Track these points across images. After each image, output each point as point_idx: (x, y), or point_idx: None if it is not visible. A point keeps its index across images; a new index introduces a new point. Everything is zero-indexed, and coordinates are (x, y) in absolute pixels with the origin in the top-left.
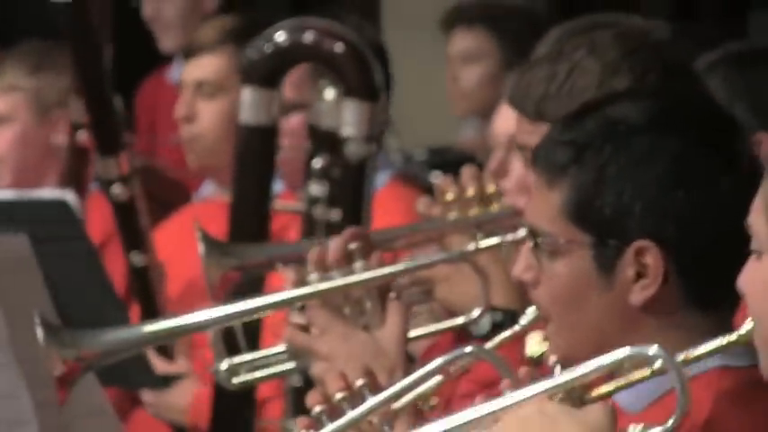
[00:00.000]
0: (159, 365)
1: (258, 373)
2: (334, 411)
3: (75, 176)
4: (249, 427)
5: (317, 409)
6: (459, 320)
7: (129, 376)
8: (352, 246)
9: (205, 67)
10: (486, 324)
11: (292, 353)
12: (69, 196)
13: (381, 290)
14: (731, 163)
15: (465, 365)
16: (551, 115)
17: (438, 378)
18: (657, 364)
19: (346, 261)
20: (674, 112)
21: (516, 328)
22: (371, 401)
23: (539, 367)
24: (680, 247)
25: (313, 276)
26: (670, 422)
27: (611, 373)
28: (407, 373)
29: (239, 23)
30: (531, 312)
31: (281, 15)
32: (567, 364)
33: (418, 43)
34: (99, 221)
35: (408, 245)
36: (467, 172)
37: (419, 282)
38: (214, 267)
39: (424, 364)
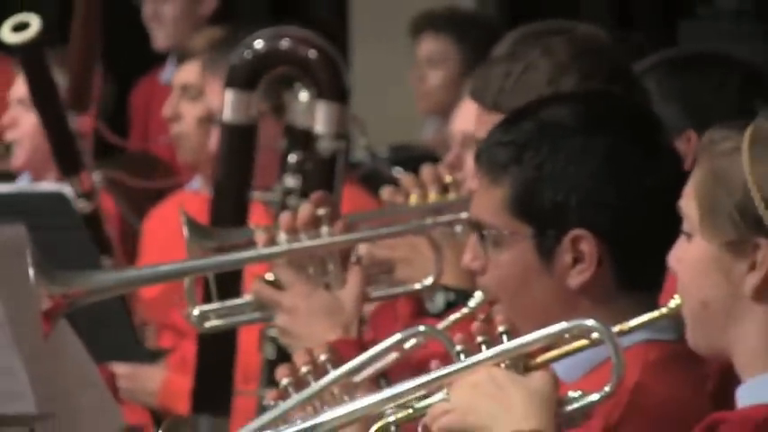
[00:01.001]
0: None
1: (226, 320)
2: (300, 383)
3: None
4: (227, 395)
5: (285, 381)
6: (415, 286)
7: (121, 351)
8: (320, 211)
9: (191, 72)
10: (440, 302)
11: (258, 304)
12: (66, 189)
13: (344, 253)
14: (655, 158)
15: (418, 343)
16: (506, 107)
17: (394, 355)
18: (594, 335)
19: (314, 225)
20: (603, 115)
21: (465, 310)
22: (333, 374)
23: None
24: (612, 234)
25: (282, 237)
26: (608, 387)
27: (552, 343)
28: (360, 330)
29: (226, 34)
30: (478, 296)
31: (261, 23)
32: (512, 335)
33: (385, 50)
34: None
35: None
36: (426, 172)
37: (381, 263)
38: (196, 248)
39: (373, 324)
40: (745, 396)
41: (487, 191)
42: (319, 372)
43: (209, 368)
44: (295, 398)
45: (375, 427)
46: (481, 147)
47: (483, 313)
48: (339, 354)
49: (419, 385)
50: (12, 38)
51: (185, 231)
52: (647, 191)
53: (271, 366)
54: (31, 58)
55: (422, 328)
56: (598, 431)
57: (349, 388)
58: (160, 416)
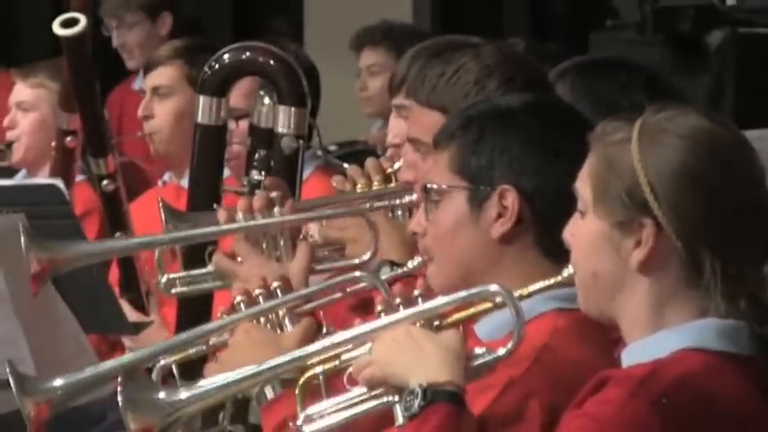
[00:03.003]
0: (132, 316)
1: (191, 287)
2: (251, 302)
3: (63, 171)
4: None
5: (238, 299)
6: (355, 261)
7: (107, 324)
8: (274, 194)
9: (160, 75)
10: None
11: (218, 274)
12: (59, 183)
13: (293, 232)
14: (573, 142)
15: (359, 288)
16: (438, 103)
17: (337, 294)
18: (498, 298)
19: (268, 207)
20: (541, 105)
21: (405, 269)
22: (281, 299)
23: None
24: (532, 194)
25: (240, 216)
26: (509, 345)
27: (464, 305)
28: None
29: (187, 43)
30: (417, 259)
31: (226, 41)
32: (427, 297)
33: (334, 61)
34: (82, 202)
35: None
36: (370, 163)
37: (334, 242)
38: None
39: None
40: (628, 358)
41: (437, 158)
42: (270, 296)
43: (189, 326)
44: (244, 312)
45: (305, 376)
46: (439, 130)
47: (421, 275)
48: (290, 284)
49: (345, 340)
50: (62, 32)
51: (162, 216)
52: (564, 166)
53: None
54: (76, 49)
55: (357, 273)
56: (504, 381)
57: (292, 314)
58: None
